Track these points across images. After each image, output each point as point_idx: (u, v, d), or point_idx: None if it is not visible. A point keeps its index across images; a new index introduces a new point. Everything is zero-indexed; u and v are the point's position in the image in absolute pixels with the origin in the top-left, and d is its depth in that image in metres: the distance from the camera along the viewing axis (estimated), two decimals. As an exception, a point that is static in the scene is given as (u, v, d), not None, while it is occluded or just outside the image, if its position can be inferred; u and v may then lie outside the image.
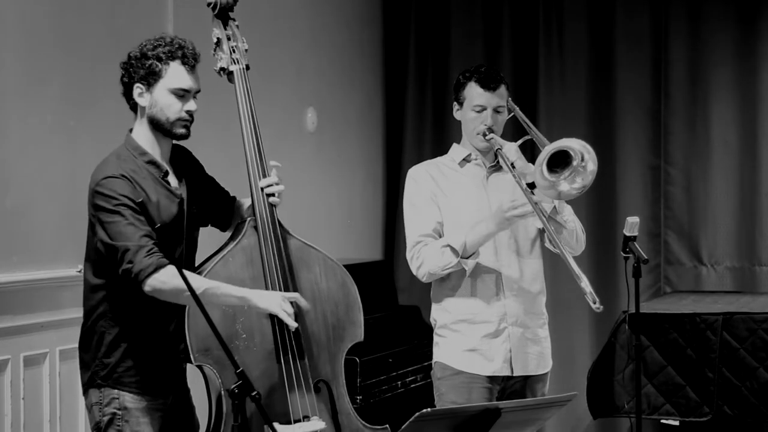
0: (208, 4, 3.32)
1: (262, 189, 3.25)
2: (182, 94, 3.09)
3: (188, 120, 3.11)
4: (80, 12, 4.27)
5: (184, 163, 3.25)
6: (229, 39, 3.31)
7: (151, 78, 3.07)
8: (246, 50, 3.33)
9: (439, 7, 6.21)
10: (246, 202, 3.36)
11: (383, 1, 6.33)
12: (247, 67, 3.32)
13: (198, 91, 3.14)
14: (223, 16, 3.33)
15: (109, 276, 3.07)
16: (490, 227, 3.56)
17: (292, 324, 3.09)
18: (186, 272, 2.97)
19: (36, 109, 4.10)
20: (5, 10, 3.97)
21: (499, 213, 3.53)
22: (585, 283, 3.33)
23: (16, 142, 4.02)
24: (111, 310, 3.09)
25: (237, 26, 3.35)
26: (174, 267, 2.95)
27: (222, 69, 3.31)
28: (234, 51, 3.31)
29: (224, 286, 3.03)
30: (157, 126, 3.11)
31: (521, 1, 6.10)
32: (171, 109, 3.08)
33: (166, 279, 2.95)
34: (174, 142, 3.20)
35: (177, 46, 3.09)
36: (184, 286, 2.84)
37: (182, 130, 3.12)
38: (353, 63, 6.07)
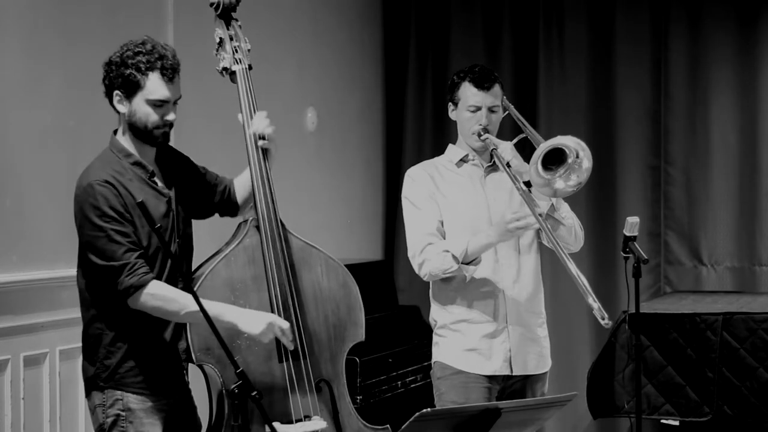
0: (211, 5, 3.31)
1: (268, 178, 3.23)
2: (161, 105, 3.07)
3: (166, 128, 3.10)
4: (80, 12, 4.27)
5: (169, 162, 3.24)
6: (231, 39, 3.30)
7: (129, 88, 3.05)
8: (248, 50, 3.32)
9: (439, 6, 6.21)
10: (244, 178, 3.35)
11: (383, 1, 6.33)
12: (250, 67, 3.31)
13: (178, 99, 3.12)
14: (226, 16, 3.33)
15: (97, 287, 3.09)
16: (491, 237, 3.56)
17: (288, 344, 3.11)
18: (169, 292, 3.01)
19: (36, 109, 4.10)
20: (5, 11, 3.97)
21: (501, 225, 3.52)
22: (593, 299, 3.31)
23: (16, 142, 4.01)
24: (105, 311, 3.09)
25: (240, 26, 3.34)
26: (157, 283, 3.00)
27: (224, 69, 3.30)
28: (236, 51, 3.30)
29: (216, 306, 2.99)
30: (137, 133, 3.10)
31: (521, 0, 6.10)
32: (149, 119, 3.07)
33: (146, 300, 2.99)
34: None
35: (157, 55, 3.05)
36: (164, 308, 2.97)
37: (160, 138, 3.11)
38: (353, 63, 6.07)
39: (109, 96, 3.11)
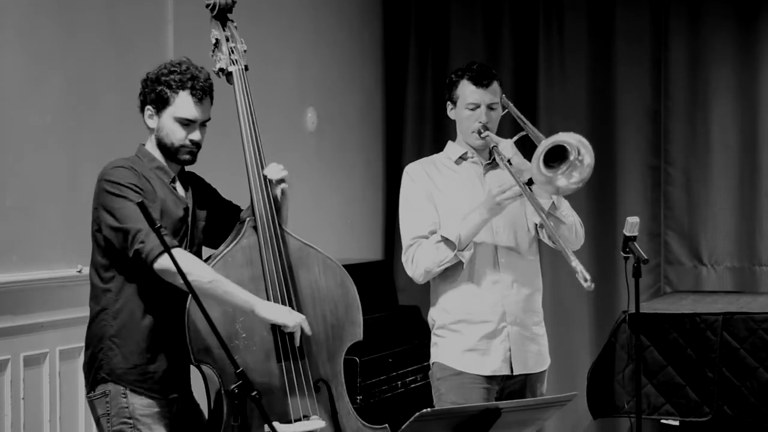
0: (207, 6, 3.34)
1: (265, 180, 3.25)
2: (187, 123, 3.15)
3: (193, 147, 3.17)
4: (80, 12, 4.27)
5: (192, 181, 3.30)
6: (227, 40, 3.33)
7: (160, 103, 3.14)
8: (245, 51, 3.34)
9: (439, 6, 6.21)
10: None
11: (383, 1, 6.33)
12: (246, 68, 3.32)
13: (207, 121, 3.19)
14: (222, 17, 3.34)
15: (118, 266, 3.09)
16: (483, 215, 3.54)
17: (297, 339, 3.11)
18: (195, 260, 3.03)
19: (36, 109, 4.10)
20: (5, 11, 3.97)
21: (489, 200, 3.52)
22: (576, 263, 3.28)
23: (16, 142, 4.02)
24: (113, 306, 3.10)
25: (235, 27, 3.36)
26: (182, 251, 3.01)
27: (221, 70, 3.32)
28: (233, 52, 3.32)
29: (232, 285, 3.04)
30: (164, 150, 3.18)
31: (522, 1, 6.11)
32: (175, 135, 3.15)
33: (179, 257, 2.93)
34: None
35: (189, 75, 3.13)
36: (190, 271, 2.90)
37: (186, 157, 3.18)
38: (353, 63, 6.07)
39: (142, 111, 3.19)
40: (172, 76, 3.13)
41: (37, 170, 4.09)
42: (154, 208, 3.05)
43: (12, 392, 3.96)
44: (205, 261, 3.21)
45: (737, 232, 5.75)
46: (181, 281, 2.87)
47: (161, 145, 3.17)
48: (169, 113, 3.14)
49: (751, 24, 5.72)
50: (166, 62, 3.19)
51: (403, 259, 3.69)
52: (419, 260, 3.62)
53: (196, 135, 3.16)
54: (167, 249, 2.80)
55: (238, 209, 3.40)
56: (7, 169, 3.98)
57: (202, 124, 3.18)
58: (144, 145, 3.22)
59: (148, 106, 3.16)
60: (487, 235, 3.64)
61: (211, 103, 3.20)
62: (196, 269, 2.99)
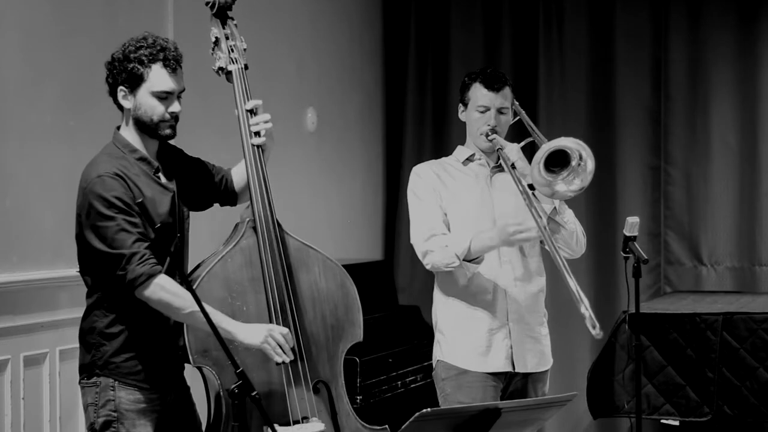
0: (207, 3, 3.31)
1: (264, 180, 3.22)
2: (165, 97, 3.08)
3: (173, 121, 3.11)
4: (80, 12, 4.27)
5: (169, 157, 3.25)
6: (227, 38, 3.30)
7: (133, 81, 3.07)
8: (244, 50, 3.32)
9: (439, 7, 6.21)
10: (240, 167, 3.35)
11: (383, 1, 6.33)
12: (246, 67, 3.30)
13: (182, 91, 3.13)
14: (222, 15, 3.32)
15: (102, 277, 3.08)
16: (495, 241, 3.56)
17: (278, 358, 3.07)
18: (175, 292, 2.99)
19: (36, 109, 4.10)
20: (5, 10, 3.97)
21: (503, 232, 3.52)
22: (585, 307, 3.28)
23: (16, 142, 4.02)
24: (106, 300, 3.08)
25: (235, 25, 3.33)
26: (165, 277, 2.99)
27: (220, 68, 3.29)
28: (232, 50, 3.29)
29: (215, 314, 2.97)
30: (143, 127, 3.11)
31: (521, 1, 6.11)
32: (155, 111, 3.08)
33: (154, 291, 2.97)
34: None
35: (159, 48, 3.07)
36: (170, 302, 2.94)
37: (168, 131, 3.12)
38: (353, 63, 6.07)
39: (113, 93, 3.12)
40: (141, 51, 3.06)
41: (36, 170, 4.09)
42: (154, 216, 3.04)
43: (12, 392, 3.96)
44: (204, 262, 3.21)
45: (737, 232, 5.75)
46: (159, 309, 2.94)
47: (140, 124, 3.10)
48: (144, 89, 3.07)
49: (751, 24, 5.72)
50: (128, 40, 3.11)
51: (413, 242, 3.69)
52: (429, 252, 3.64)
53: (175, 107, 3.09)
54: (152, 276, 2.87)
55: (210, 166, 3.36)
56: (7, 169, 3.98)
57: (178, 96, 3.11)
58: (119, 128, 3.16)
59: (121, 87, 3.08)
60: (491, 234, 3.65)
61: (182, 72, 3.13)
62: (176, 300, 2.97)
